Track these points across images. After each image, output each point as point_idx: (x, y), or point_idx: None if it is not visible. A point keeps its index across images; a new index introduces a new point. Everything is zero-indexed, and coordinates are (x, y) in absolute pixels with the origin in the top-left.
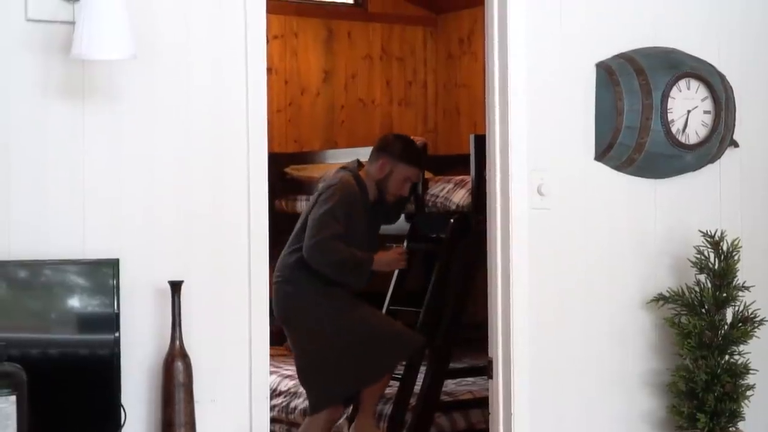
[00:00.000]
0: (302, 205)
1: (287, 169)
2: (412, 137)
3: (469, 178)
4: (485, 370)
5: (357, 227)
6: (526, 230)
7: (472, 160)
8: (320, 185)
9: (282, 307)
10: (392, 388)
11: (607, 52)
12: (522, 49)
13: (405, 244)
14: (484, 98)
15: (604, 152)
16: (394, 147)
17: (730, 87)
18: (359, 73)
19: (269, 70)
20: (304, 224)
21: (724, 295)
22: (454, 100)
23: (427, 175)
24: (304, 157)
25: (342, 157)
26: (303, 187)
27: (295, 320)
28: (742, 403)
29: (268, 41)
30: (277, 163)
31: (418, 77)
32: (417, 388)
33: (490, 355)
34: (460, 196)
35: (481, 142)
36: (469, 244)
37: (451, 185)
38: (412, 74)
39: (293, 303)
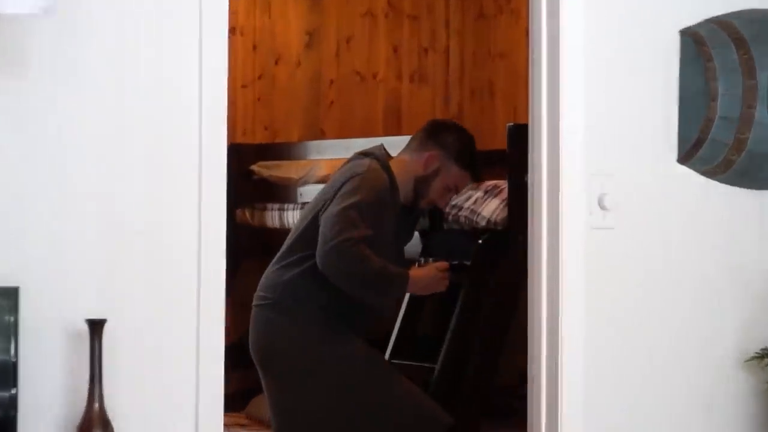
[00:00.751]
0: (274, 216)
1: (254, 167)
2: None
3: (504, 185)
4: None
5: (384, 235)
6: (582, 257)
7: (511, 162)
8: (337, 174)
9: (262, 340)
10: None
11: (695, 16)
12: (580, 8)
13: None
14: (527, 74)
15: (690, 152)
16: (452, 139)
17: None
18: (356, 36)
19: (231, 30)
20: (306, 231)
21: None
22: (487, 76)
23: None
24: (278, 151)
25: (330, 150)
26: (276, 191)
27: (279, 362)
28: None
29: None
30: (240, 158)
31: (438, 43)
32: None
33: (529, 427)
34: (492, 209)
35: (521, 134)
36: (504, 274)
37: (479, 193)
38: (430, 39)
39: (280, 335)
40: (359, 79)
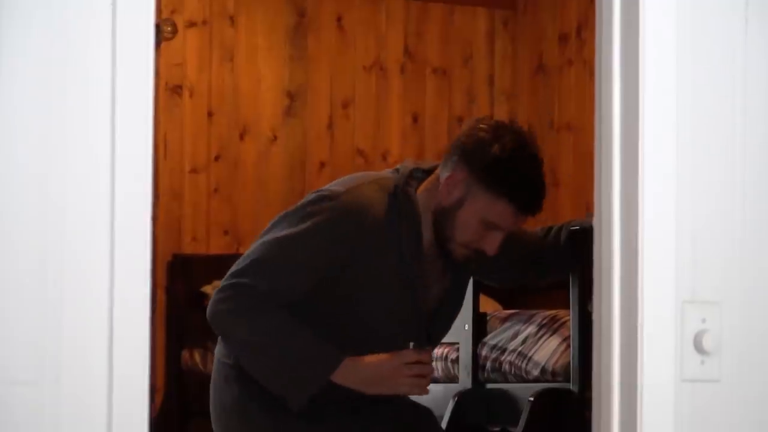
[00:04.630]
0: None
1: (207, 288)
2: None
3: (566, 316)
4: None
5: (368, 294)
6: (671, 424)
7: (574, 285)
8: (312, 193)
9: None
10: None
11: None
12: (670, 54)
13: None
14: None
15: None
16: (482, 146)
17: None
18: (358, 99)
19: (176, 88)
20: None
21: None
22: (548, 157)
23: (489, 306)
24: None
25: None
26: None
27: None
28: None
29: (174, 31)
30: (187, 276)
31: (478, 109)
32: None
33: None
34: (548, 352)
35: (585, 240)
36: None
37: (531, 328)
38: (465, 103)
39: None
40: (362, 161)
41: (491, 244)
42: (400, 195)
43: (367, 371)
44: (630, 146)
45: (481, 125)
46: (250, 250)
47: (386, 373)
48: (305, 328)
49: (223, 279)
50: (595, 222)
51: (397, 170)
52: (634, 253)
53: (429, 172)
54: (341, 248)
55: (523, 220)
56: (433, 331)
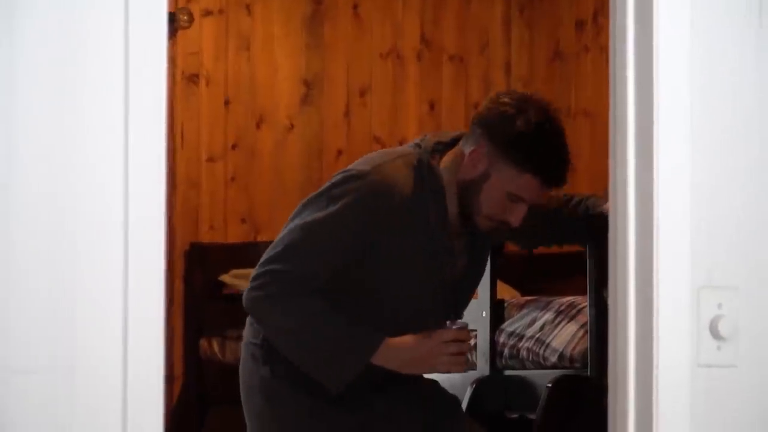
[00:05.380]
0: None
1: (226, 278)
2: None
3: (584, 303)
4: None
5: (397, 271)
6: (686, 410)
7: (591, 272)
8: (338, 174)
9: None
10: None
11: None
12: (684, 39)
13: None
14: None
15: None
16: (506, 120)
17: None
18: (375, 87)
19: (192, 77)
20: None
21: None
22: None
23: (506, 293)
24: (257, 253)
25: None
26: None
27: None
28: None
29: (191, 20)
30: (205, 265)
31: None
32: None
33: None
34: (566, 338)
35: (602, 227)
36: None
37: (548, 315)
38: (483, 90)
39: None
40: (379, 148)
41: (516, 215)
42: (426, 169)
43: (405, 351)
44: (644, 132)
45: (503, 99)
46: (280, 236)
47: (425, 353)
48: (340, 311)
49: (256, 267)
50: (610, 208)
51: (419, 145)
52: (649, 238)
53: (450, 144)
54: (372, 227)
55: (548, 192)
56: (458, 305)
